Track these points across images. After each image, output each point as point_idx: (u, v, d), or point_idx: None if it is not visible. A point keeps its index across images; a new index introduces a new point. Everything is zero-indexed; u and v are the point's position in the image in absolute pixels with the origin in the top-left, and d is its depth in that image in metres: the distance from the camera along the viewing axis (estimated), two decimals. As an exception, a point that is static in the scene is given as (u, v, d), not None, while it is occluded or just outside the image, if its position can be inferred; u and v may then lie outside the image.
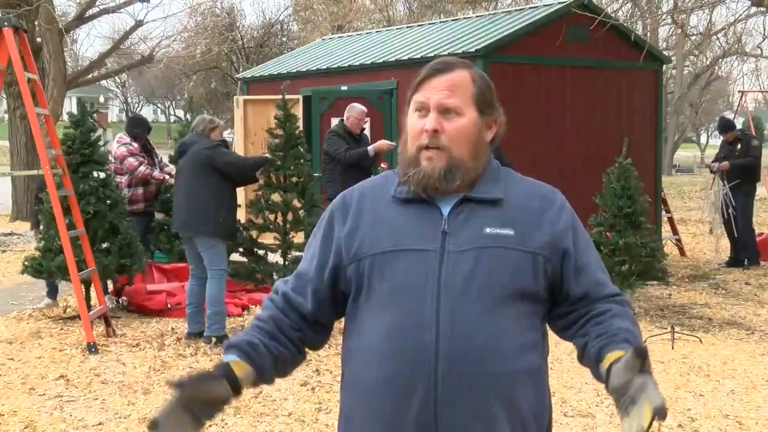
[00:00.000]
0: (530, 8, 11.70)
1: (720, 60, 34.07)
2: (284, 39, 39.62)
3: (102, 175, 7.96)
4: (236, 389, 1.97)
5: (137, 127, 9.13)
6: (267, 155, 7.17)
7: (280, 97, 7.22)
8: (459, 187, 2.03)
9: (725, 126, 11.34)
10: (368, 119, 8.91)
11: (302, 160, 7.23)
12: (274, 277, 7.19)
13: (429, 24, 13.64)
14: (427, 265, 1.97)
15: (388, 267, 2.00)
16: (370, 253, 2.02)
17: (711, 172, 11.52)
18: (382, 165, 8.50)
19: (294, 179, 7.15)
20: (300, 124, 8.03)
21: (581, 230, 2.10)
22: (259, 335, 2.07)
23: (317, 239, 2.14)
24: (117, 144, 9.01)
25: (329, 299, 2.12)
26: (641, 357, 1.78)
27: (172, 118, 60.61)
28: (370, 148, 8.18)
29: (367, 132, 8.99)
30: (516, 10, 12.14)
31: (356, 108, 8.51)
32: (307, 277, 2.12)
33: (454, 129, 2.02)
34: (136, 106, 64.68)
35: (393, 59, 11.02)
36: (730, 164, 10.78)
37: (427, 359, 1.92)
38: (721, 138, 11.56)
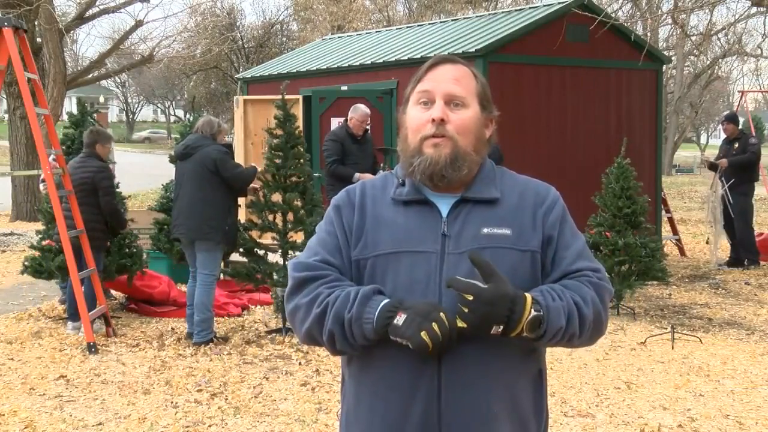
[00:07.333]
0: (530, 8, 11.69)
1: (720, 60, 34.03)
2: (284, 39, 39.59)
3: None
4: None
5: None
6: (255, 166, 7.22)
7: (280, 97, 7.20)
8: (464, 177, 2.02)
9: (731, 118, 11.24)
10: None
11: (302, 160, 7.22)
12: (275, 277, 7.18)
13: (429, 24, 13.63)
14: (428, 266, 1.96)
15: (391, 268, 1.98)
16: (371, 254, 2.01)
17: (707, 168, 11.49)
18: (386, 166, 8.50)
19: (294, 179, 7.15)
20: (299, 123, 8.03)
21: (569, 223, 2.09)
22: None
23: (328, 233, 2.07)
24: None
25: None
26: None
27: (172, 118, 60.61)
28: (356, 175, 8.14)
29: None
30: (516, 10, 12.12)
31: (359, 109, 8.51)
32: (333, 262, 2.04)
33: (460, 120, 2.00)
34: (136, 106, 64.64)
35: (393, 59, 11.01)
36: (729, 161, 10.77)
37: (429, 360, 1.91)
38: (723, 134, 11.52)
